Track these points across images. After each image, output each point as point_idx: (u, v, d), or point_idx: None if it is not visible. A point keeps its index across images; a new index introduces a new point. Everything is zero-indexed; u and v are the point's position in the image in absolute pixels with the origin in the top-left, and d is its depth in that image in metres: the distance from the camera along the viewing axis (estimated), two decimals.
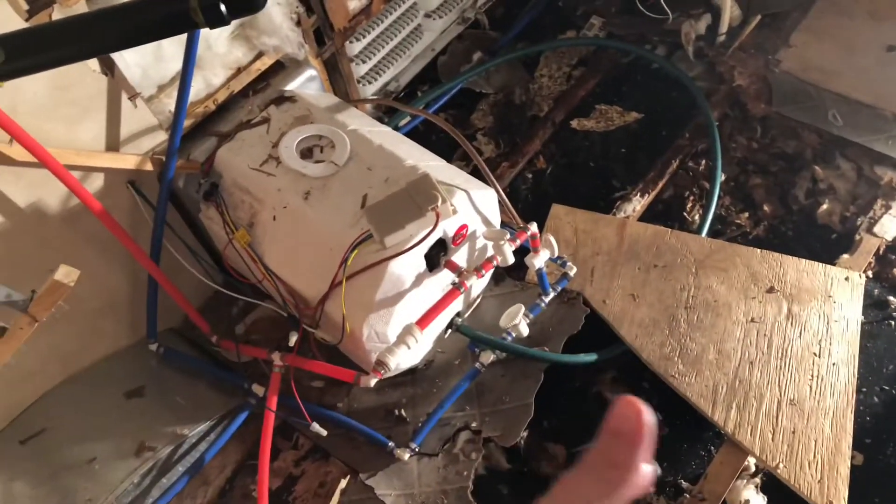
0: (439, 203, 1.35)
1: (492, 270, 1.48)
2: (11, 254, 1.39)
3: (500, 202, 1.61)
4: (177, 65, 1.47)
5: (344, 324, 1.41)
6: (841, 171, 1.96)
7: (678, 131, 2.12)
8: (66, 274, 1.06)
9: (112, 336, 1.75)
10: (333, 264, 1.40)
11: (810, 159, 2.00)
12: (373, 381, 1.34)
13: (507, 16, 2.45)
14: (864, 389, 1.63)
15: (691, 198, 2.00)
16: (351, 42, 1.86)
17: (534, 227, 1.51)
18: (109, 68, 1.35)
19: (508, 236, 1.48)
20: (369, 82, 2.02)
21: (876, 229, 1.83)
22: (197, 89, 1.54)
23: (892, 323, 1.73)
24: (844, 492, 1.46)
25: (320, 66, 1.79)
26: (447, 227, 1.44)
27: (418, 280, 1.46)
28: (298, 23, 1.62)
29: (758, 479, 1.54)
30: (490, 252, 1.49)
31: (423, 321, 1.37)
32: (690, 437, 1.64)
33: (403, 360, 1.41)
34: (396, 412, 1.72)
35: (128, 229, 1.48)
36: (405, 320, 1.45)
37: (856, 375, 1.60)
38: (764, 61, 2.17)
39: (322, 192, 1.46)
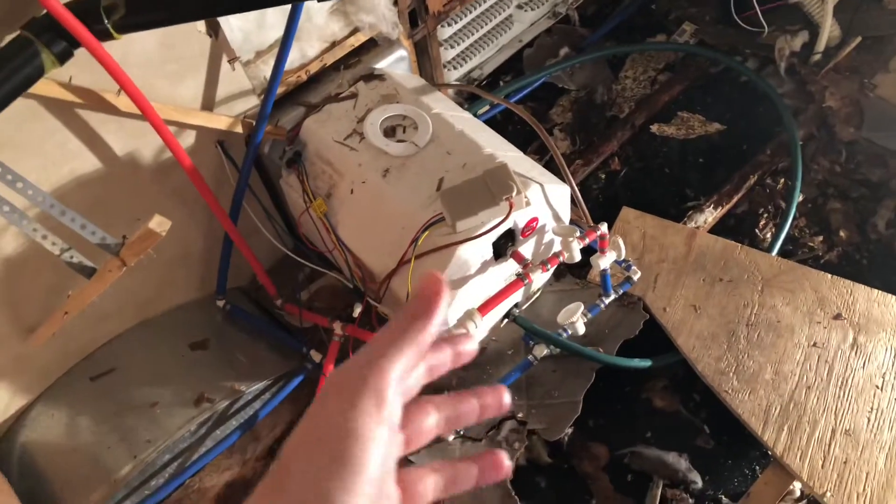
0: (514, 194, 1.36)
1: (556, 266, 1.49)
2: (105, 199, 1.46)
3: (572, 199, 1.61)
4: (277, 33, 1.52)
5: (408, 301, 1.43)
6: None
7: (760, 147, 2.09)
8: (159, 223, 1.12)
9: (183, 288, 1.82)
10: (404, 242, 1.43)
11: (895, 189, 1.94)
12: None
13: (599, 14, 2.44)
14: None
15: (765, 215, 1.96)
16: (442, 26, 1.88)
17: (604, 228, 1.52)
18: (214, 30, 1.40)
19: (578, 234, 1.48)
20: (455, 67, 2.04)
21: None
22: (292, 58, 1.58)
23: None
24: None
25: (411, 47, 1.82)
26: (518, 219, 1.45)
27: (483, 267, 1.48)
28: (396, 2, 1.64)
29: None
30: (557, 247, 1.50)
31: (485, 308, 1.40)
32: (736, 454, 1.63)
33: None
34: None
35: (212, 187, 1.54)
36: (467, 304, 1.48)
37: None
38: (859, 84, 2.10)
39: (400, 171, 1.49)
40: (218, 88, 1.51)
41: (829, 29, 2.12)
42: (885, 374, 1.61)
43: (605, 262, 1.58)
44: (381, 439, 0.40)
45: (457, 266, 1.42)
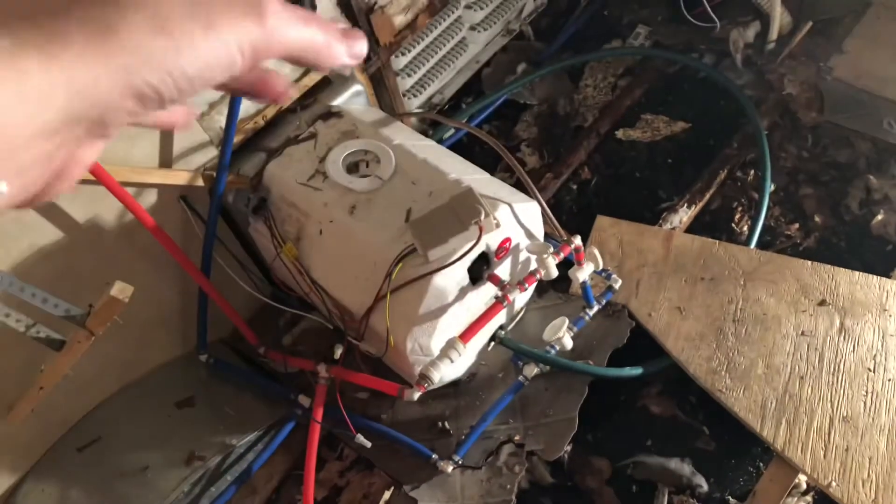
0: (482, 217, 1.35)
1: (535, 284, 1.48)
2: (71, 268, 1.44)
3: (543, 214, 1.60)
4: None
5: (388, 337, 1.42)
6: None
7: (726, 141, 2.09)
8: (120, 290, 1.10)
9: (164, 347, 1.80)
10: (378, 277, 1.41)
11: (864, 169, 1.95)
12: (416, 395, 1.35)
13: (552, 26, 2.45)
14: None
15: (739, 209, 1.96)
16: (396, 56, 1.88)
17: (577, 241, 1.51)
18: None
19: (552, 249, 1.47)
20: (414, 95, 2.04)
21: None
22: (246, 105, 1.57)
23: None
24: None
25: (366, 80, 1.82)
26: (490, 241, 1.44)
27: (461, 293, 1.46)
28: None
29: (809, 498, 1.51)
30: (533, 265, 1.49)
31: (467, 335, 1.38)
32: (738, 453, 1.61)
33: (447, 373, 1.42)
34: (440, 424, 1.72)
35: (179, 243, 1.52)
36: (449, 333, 1.46)
37: None
38: (815, 69, 2.12)
39: (367, 207, 1.48)
40: (174, 144, 1.50)
41: (779, 17, 2.14)
42: (875, 355, 1.60)
43: (582, 274, 1.57)
44: None
45: (434, 296, 1.40)
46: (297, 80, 1.63)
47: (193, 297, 1.70)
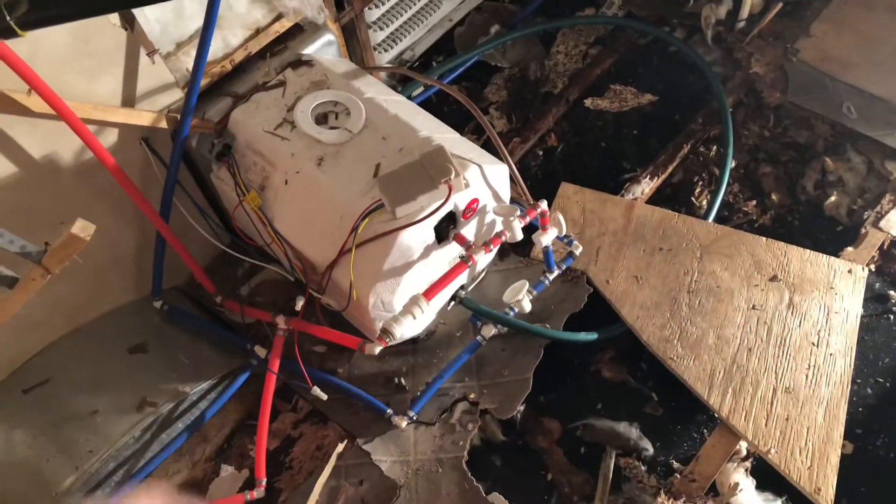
0: (452, 176, 1.35)
1: (499, 246, 1.49)
2: (24, 205, 1.39)
3: (511, 177, 1.61)
4: (196, 23, 1.46)
5: (351, 291, 1.42)
6: (851, 164, 1.96)
7: (691, 116, 2.12)
8: (82, 228, 1.07)
9: (117, 291, 1.76)
10: (343, 231, 1.40)
11: (821, 150, 2.00)
12: (377, 350, 1.36)
13: None
14: (859, 381, 1.65)
15: (700, 183, 2.00)
16: (370, 8, 1.85)
17: (544, 205, 1.52)
18: (129, 23, 1.34)
19: (518, 213, 1.48)
20: (385, 50, 2.00)
21: (882, 224, 1.84)
22: (214, 48, 1.53)
23: (891, 317, 1.74)
24: (833, 479, 1.48)
25: (338, 31, 1.77)
26: (458, 201, 1.44)
27: (426, 251, 1.46)
28: None
29: (748, 464, 1.56)
30: (499, 227, 1.49)
31: (430, 292, 1.38)
32: (684, 420, 1.66)
33: (408, 329, 1.42)
34: (396, 380, 1.74)
35: (139, 186, 1.48)
36: (411, 290, 1.46)
37: (852, 367, 1.62)
38: (782, 50, 2.15)
39: (335, 159, 1.46)
40: (138, 83, 1.45)
41: None
42: (819, 331, 1.67)
43: (546, 238, 1.58)
44: None
45: (399, 252, 1.40)
46: (268, 25, 1.59)
47: (151, 241, 1.66)
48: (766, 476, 1.52)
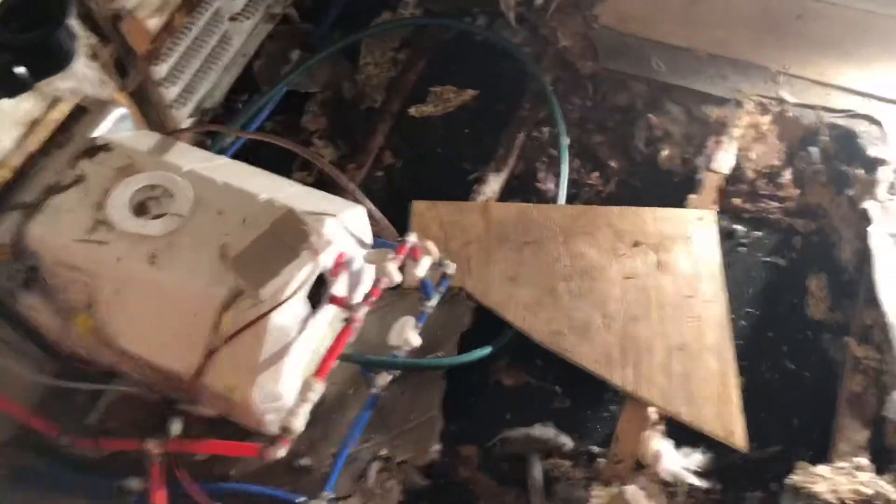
0: (313, 238, 1.22)
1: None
2: None
3: (370, 216, 1.50)
4: None
5: (230, 394, 1.25)
6: (672, 115, 2.04)
7: (517, 102, 2.11)
8: None
9: None
10: (202, 330, 1.24)
11: (642, 109, 2.07)
12: (280, 452, 1.22)
13: (318, 6, 2.30)
14: (733, 316, 1.71)
15: (542, 168, 2.01)
16: (156, 65, 1.64)
17: (413, 237, 1.43)
18: None
19: (391, 254, 1.38)
20: (182, 104, 1.81)
21: (713, 165, 1.92)
22: None
23: (743, 250, 1.85)
24: (741, 418, 1.55)
25: (128, 100, 1.56)
26: (325, 261, 1.32)
27: (303, 324, 1.33)
28: (94, 56, 1.39)
29: (662, 426, 1.58)
30: (372, 275, 1.39)
31: (322, 370, 1.28)
32: (593, 403, 1.66)
33: (306, 416, 1.29)
34: (297, 463, 1.58)
35: None
36: (298, 370, 1.33)
37: (727, 307, 1.68)
38: (582, 19, 2.19)
39: (170, 252, 1.28)
40: None
41: None
42: (690, 282, 1.72)
43: (421, 270, 1.50)
44: None
45: (274, 336, 1.26)
46: (44, 114, 1.35)
47: None
48: (679, 432, 1.55)
